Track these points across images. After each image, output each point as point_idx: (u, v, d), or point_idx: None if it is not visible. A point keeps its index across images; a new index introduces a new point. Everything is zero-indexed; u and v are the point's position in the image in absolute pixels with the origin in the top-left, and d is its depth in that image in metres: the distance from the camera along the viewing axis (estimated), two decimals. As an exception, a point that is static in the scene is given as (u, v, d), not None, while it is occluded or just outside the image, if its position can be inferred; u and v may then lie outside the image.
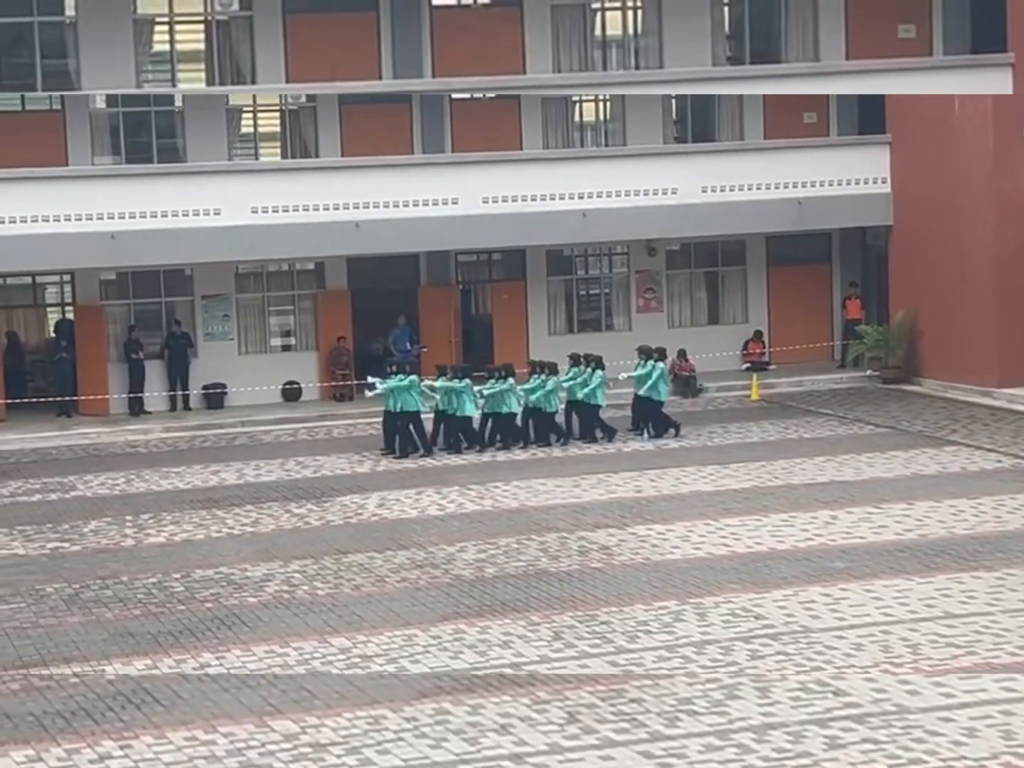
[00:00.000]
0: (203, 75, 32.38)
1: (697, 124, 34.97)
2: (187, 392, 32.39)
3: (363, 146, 32.34)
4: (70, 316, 33.11)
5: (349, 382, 32.55)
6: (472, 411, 27.40)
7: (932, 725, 13.88)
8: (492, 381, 27.67)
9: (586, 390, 27.79)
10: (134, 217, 30.46)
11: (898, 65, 32.91)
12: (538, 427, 27.94)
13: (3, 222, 29.88)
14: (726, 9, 34.36)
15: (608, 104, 34.63)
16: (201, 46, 32.38)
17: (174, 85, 32.21)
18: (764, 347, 34.99)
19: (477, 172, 32.06)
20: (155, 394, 32.25)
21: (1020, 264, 31.17)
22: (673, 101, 34.85)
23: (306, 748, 13.86)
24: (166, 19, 31.99)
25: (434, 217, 31.67)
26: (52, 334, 33.73)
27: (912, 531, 21.02)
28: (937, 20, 34.19)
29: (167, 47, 32.14)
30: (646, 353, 28.61)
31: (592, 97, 34.64)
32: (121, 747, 14.03)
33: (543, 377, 27.84)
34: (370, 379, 28.02)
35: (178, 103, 32.52)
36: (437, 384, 27.47)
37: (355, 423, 30.62)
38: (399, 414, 27.23)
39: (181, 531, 22.36)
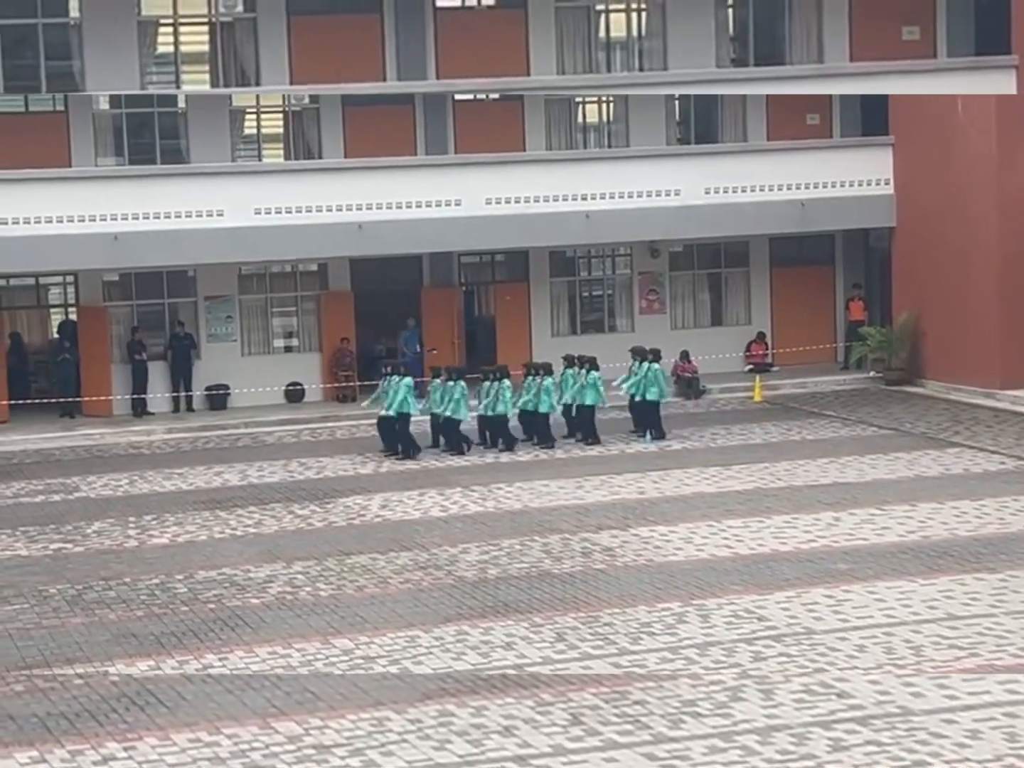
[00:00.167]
0: (207, 77, 32.39)
1: (700, 125, 34.98)
2: (190, 393, 32.41)
3: (366, 147, 32.34)
4: (73, 317, 33.13)
5: (352, 383, 32.57)
6: (465, 415, 27.36)
7: (936, 727, 13.88)
8: (487, 383, 27.70)
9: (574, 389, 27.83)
10: (137, 218, 30.47)
11: (902, 67, 32.91)
12: (531, 429, 27.92)
13: (6, 223, 29.89)
14: (730, 11, 34.36)
15: (611, 105, 34.64)
16: (205, 48, 32.41)
17: (178, 87, 32.23)
18: (767, 348, 34.99)
19: (480, 173, 32.07)
20: (158, 395, 32.27)
21: (1023, 265, 31.16)
22: (676, 103, 34.87)
23: (310, 750, 13.87)
24: (170, 21, 32.01)
25: (437, 218, 31.68)
26: (55, 335, 33.75)
27: (915, 533, 21.02)
28: (941, 22, 34.18)
29: (171, 49, 32.15)
30: (640, 354, 28.60)
31: (595, 98, 34.66)
32: (125, 748, 14.04)
33: (538, 379, 27.82)
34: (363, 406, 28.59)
35: (181, 104, 32.54)
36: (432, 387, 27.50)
37: (358, 424, 30.60)
38: (396, 416, 27.20)
39: (184, 532, 22.37)
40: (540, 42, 33.11)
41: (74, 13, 31.65)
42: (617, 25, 33.98)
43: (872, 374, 33.80)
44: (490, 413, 27.61)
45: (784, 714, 14.32)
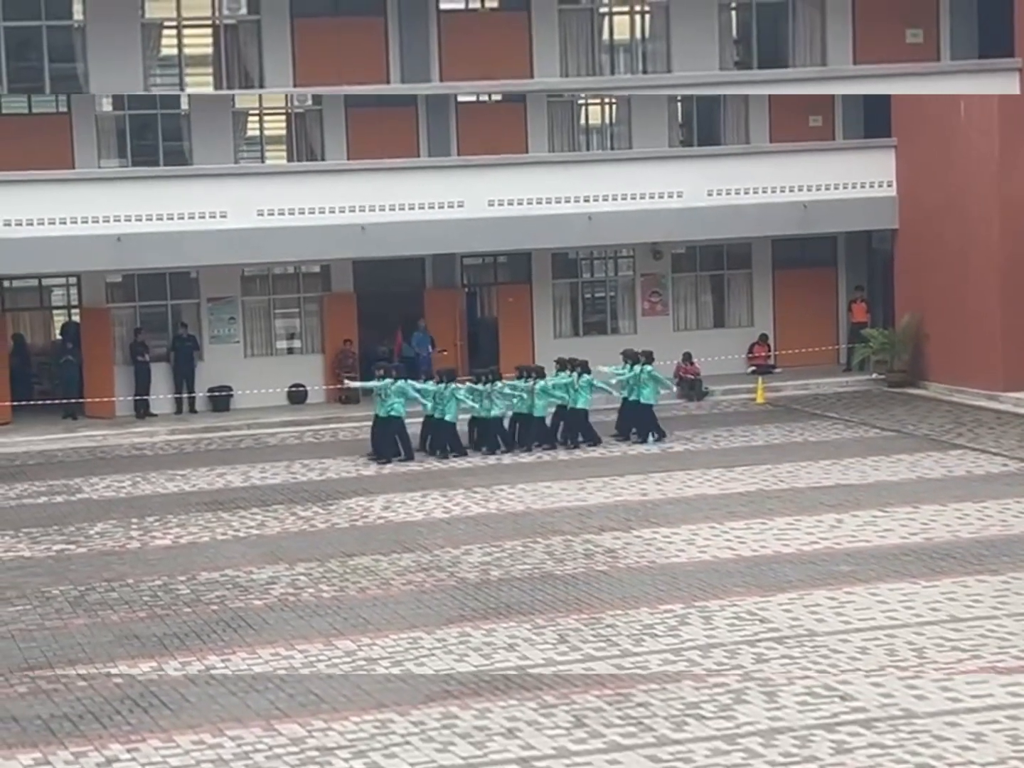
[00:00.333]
0: (211, 79, 32.41)
1: (703, 127, 34.99)
2: (193, 394, 32.42)
3: (369, 149, 32.36)
4: (76, 318, 33.16)
5: (355, 385, 32.54)
6: (454, 416, 27.34)
7: (939, 730, 13.89)
8: (480, 385, 27.69)
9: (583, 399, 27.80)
10: (140, 220, 30.48)
11: (905, 70, 32.96)
12: (525, 431, 27.92)
13: (9, 224, 29.90)
14: (733, 13, 34.40)
15: (614, 107, 34.65)
16: (209, 50, 32.44)
17: (182, 89, 32.25)
18: (769, 350, 34.99)
19: (483, 175, 32.07)
20: (161, 396, 32.28)
21: (1026, 268, 31.21)
22: (679, 105, 34.89)
23: (313, 752, 13.87)
24: (174, 23, 32.04)
25: (440, 220, 31.69)
26: (58, 336, 33.78)
27: (917, 535, 21.02)
28: (945, 25, 34.21)
29: (175, 51, 32.19)
30: (631, 357, 28.59)
31: (598, 100, 34.67)
32: (128, 750, 14.04)
33: (531, 381, 27.80)
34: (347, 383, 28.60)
35: (184, 106, 32.56)
36: (427, 389, 27.45)
37: (361, 426, 30.54)
38: (387, 419, 27.20)
39: (187, 533, 22.38)
40: (543, 44, 33.14)
41: (78, 16, 31.69)
42: (620, 27, 34.00)
43: (874, 376, 33.80)
44: (484, 415, 27.60)
45: (787, 716, 14.32)
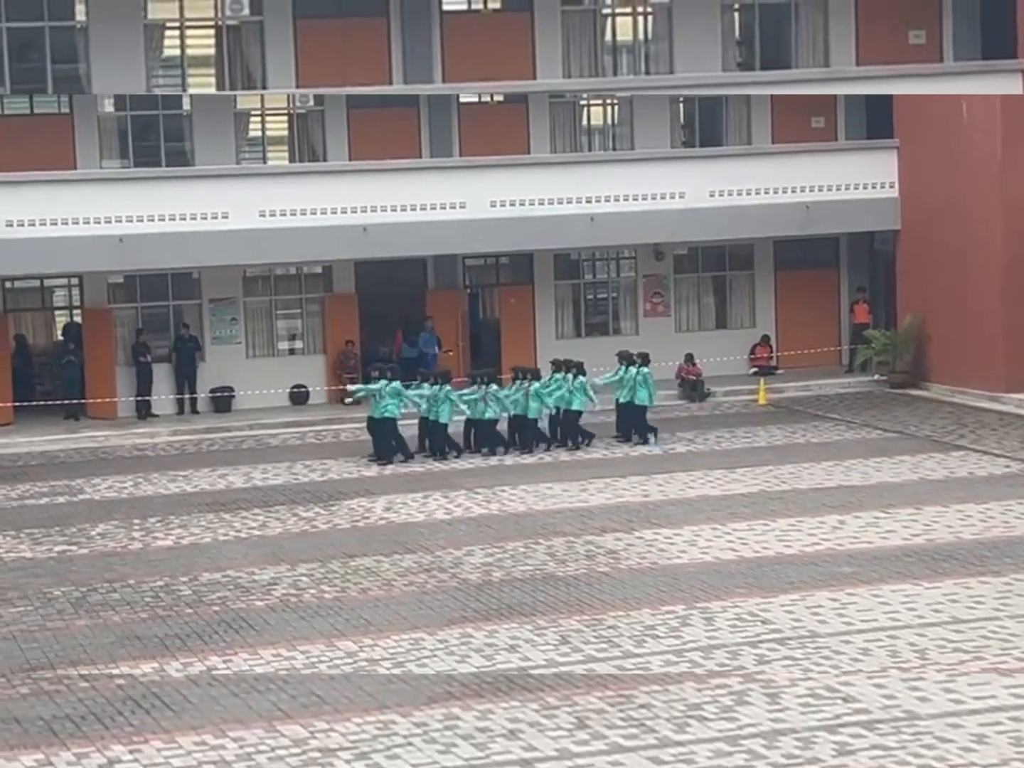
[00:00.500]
0: (213, 80, 32.41)
1: (705, 128, 34.97)
2: (195, 395, 32.42)
3: (371, 150, 32.35)
4: (78, 319, 33.15)
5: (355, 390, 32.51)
6: (447, 418, 27.31)
7: (942, 731, 13.88)
8: (473, 387, 27.67)
9: (571, 395, 27.76)
10: (142, 220, 30.48)
11: (908, 71, 32.95)
12: (521, 433, 27.90)
13: (11, 225, 29.89)
14: (736, 15, 34.38)
15: (616, 108, 34.65)
16: (212, 51, 32.43)
17: (184, 90, 32.25)
18: (772, 351, 34.98)
19: (485, 176, 32.07)
20: (163, 397, 32.28)
21: (1028, 269, 31.19)
22: (681, 106, 34.88)
23: (315, 753, 13.87)
24: (177, 24, 32.04)
25: (442, 221, 31.68)
26: (60, 337, 33.77)
27: (920, 536, 21.02)
28: (947, 26, 34.21)
29: (178, 52, 32.19)
30: (626, 358, 28.56)
31: (600, 101, 34.66)
32: (131, 751, 14.04)
33: (526, 384, 27.78)
34: (349, 390, 28.49)
35: (186, 107, 32.56)
36: (421, 391, 27.43)
37: (362, 427, 30.52)
38: (380, 420, 27.19)
39: (188, 534, 22.38)
40: (546, 45, 33.14)
41: (80, 16, 31.67)
42: (623, 29, 33.99)
43: (877, 377, 33.79)
44: (479, 417, 27.60)
45: (790, 718, 14.32)
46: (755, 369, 34.57)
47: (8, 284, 32.68)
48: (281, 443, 29.79)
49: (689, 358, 33.20)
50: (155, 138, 32.49)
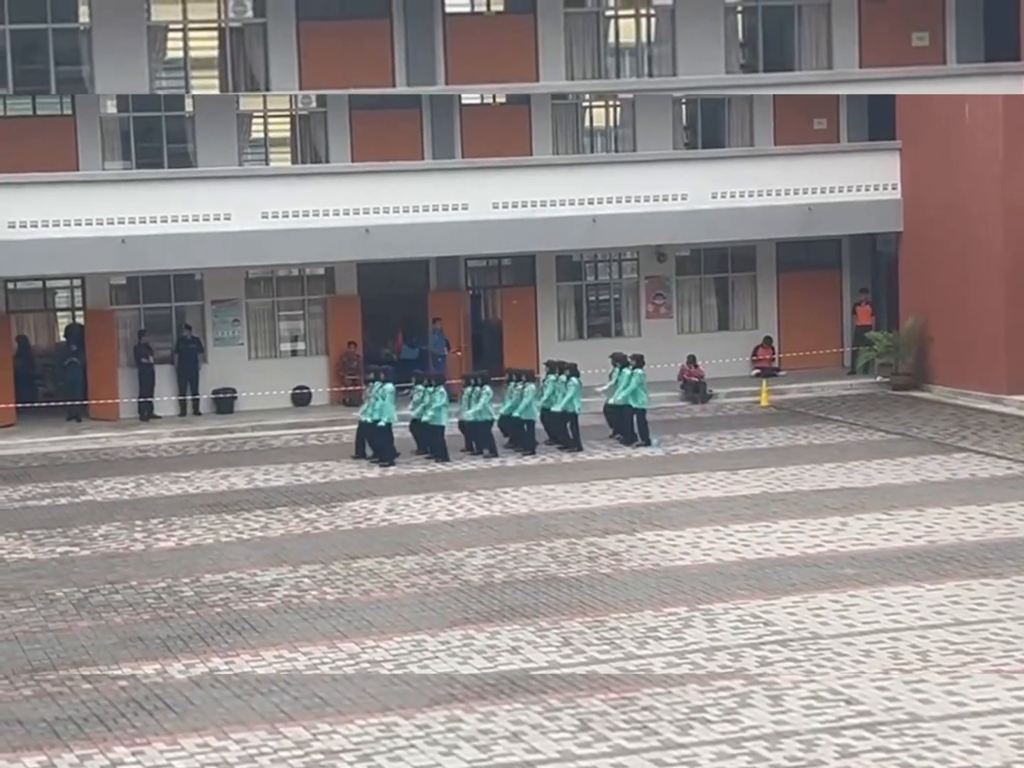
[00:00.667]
0: (216, 82, 32.42)
1: (707, 130, 34.98)
2: (197, 397, 32.43)
3: (373, 151, 32.36)
4: (80, 320, 33.17)
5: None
6: (444, 421, 27.31)
7: (944, 733, 13.88)
8: (468, 389, 27.66)
9: (564, 399, 27.69)
10: (144, 222, 30.49)
11: (911, 73, 32.95)
12: (515, 435, 27.89)
13: (14, 226, 29.91)
14: (739, 17, 34.38)
15: (618, 110, 34.65)
16: (215, 53, 32.44)
17: (188, 92, 32.25)
18: (774, 353, 34.98)
19: (487, 178, 32.07)
20: (165, 398, 32.28)
21: (1030, 270, 31.19)
22: (683, 108, 34.89)
23: (318, 755, 13.88)
24: (180, 26, 32.06)
25: (444, 222, 31.70)
26: (62, 338, 33.78)
27: (922, 538, 21.01)
28: (951, 28, 34.20)
29: (181, 54, 32.20)
30: (620, 360, 28.54)
31: (602, 103, 34.67)
32: (133, 753, 14.05)
33: (520, 385, 27.76)
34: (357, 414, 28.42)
35: (188, 108, 32.57)
36: (414, 395, 27.40)
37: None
38: (374, 423, 27.17)
39: (191, 536, 22.38)
40: (549, 47, 33.14)
41: (84, 18, 31.68)
42: (626, 31, 34.00)
43: (879, 379, 33.79)
44: (474, 419, 27.60)
45: (792, 720, 14.32)
46: (757, 371, 34.57)
47: (10, 285, 32.70)
48: (283, 444, 29.80)
49: (691, 360, 33.20)
50: (157, 139, 32.50)
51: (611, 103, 34.69)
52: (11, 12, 30.87)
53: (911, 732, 13.94)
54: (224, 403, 32.54)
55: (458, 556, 20.68)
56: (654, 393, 30.39)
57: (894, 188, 33.72)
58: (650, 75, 33.86)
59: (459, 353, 32.98)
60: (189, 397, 32.41)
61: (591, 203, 32.30)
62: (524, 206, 32.10)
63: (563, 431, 27.95)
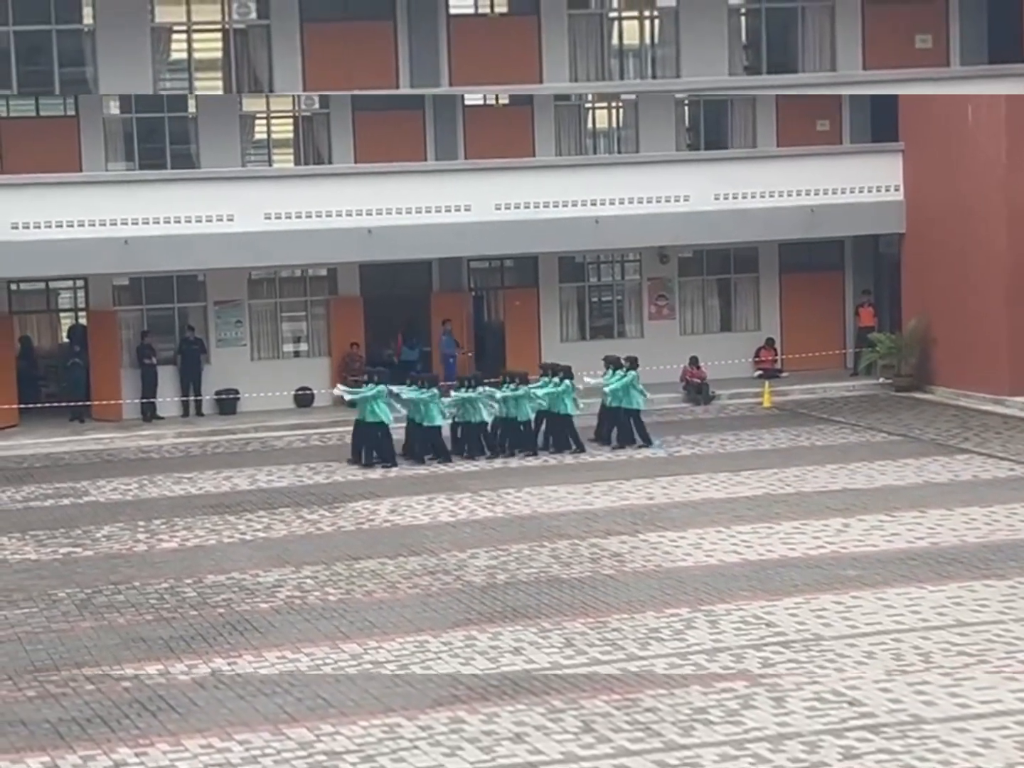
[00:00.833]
0: (220, 83, 32.44)
1: (710, 132, 34.98)
2: (200, 397, 32.44)
3: (376, 153, 32.38)
4: (83, 321, 33.18)
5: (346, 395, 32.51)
6: (439, 421, 27.32)
7: (947, 735, 13.88)
8: (463, 389, 27.65)
9: (565, 399, 27.69)
10: (147, 223, 30.51)
11: (914, 75, 32.96)
12: (511, 437, 27.87)
13: (17, 228, 29.93)
14: (743, 19, 34.39)
15: (621, 111, 34.66)
16: (219, 54, 32.47)
17: (191, 93, 32.27)
18: (776, 354, 34.98)
19: (490, 179, 32.08)
20: (168, 399, 32.29)
21: (1033, 272, 31.19)
22: (686, 109, 34.90)
23: (321, 756, 13.89)
24: (184, 27, 32.08)
25: (447, 224, 31.71)
26: (65, 339, 33.79)
27: (924, 539, 21.01)
28: (954, 30, 34.20)
29: (184, 55, 32.23)
30: (613, 363, 28.51)
31: (605, 104, 34.68)
32: (136, 754, 14.06)
33: (515, 386, 27.76)
34: (337, 390, 28.38)
35: (192, 109, 32.58)
36: (403, 394, 27.37)
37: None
38: (370, 424, 27.19)
39: (193, 536, 22.39)
40: (553, 49, 33.15)
41: (88, 19, 31.70)
42: (630, 32, 34.01)
43: (881, 380, 33.79)
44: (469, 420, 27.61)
45: (795, 722, 14.32)
46: (760, 372, 34.57)
47: (13, 286, 32.72)
48: (286, 445, 29.81)
49: (694, 361, 33.20)
50: (160, 140, 32.52)
51: (614, 104, 34.71)
52: (15, 13, 30.89)
53: (914, 734, 13.95)
54: (227, 404, 32.55)
55: (461, 557, 20.69)
56: (656, 394, 30.44)
57: (897, 190, 33.72)
58: (653, 77, 33.87)
59: (469, 354, 33.03)
60: (192, 398, 32.42)
61: (594, 204, 32.31)
62: (527, 207, 32.11)
63: (571, 433, 27.89)
